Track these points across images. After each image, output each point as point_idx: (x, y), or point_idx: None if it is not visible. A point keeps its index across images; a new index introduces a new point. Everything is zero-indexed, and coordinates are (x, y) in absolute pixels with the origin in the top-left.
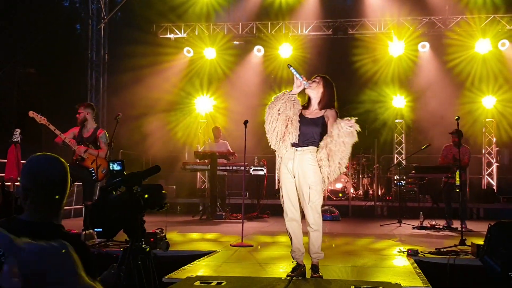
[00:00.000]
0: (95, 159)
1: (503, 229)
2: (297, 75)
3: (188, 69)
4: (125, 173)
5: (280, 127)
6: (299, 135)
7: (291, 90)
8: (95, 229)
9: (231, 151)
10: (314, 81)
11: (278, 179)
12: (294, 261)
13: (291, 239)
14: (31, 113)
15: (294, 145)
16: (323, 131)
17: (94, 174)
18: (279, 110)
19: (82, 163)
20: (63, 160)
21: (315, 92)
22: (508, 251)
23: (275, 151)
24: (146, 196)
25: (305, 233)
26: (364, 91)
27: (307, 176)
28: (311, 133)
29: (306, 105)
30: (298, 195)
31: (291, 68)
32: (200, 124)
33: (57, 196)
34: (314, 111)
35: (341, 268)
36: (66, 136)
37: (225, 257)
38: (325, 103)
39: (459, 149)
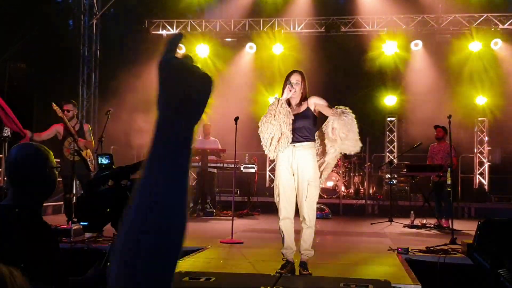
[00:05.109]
0: (86, 152)
1: (492, 226)
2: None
3: None
4: (113, 167)
5: (276, 133)
6: (294, 131)
7: (281, 98)
8: (81, 223)
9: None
10: (297, 84)
11: (272, 178)
12: (284, 258)
13: (283, 237)
14: (54, 106)
15: (292, 141)
16: (314, 122)
17: (89, 165)
18: (274, 117)
19: (80, 155)
20: (43, 149)
21: (298, 91)
22: (497, 248)
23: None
24: None
25: (296, 230)
26: (356, 89)
27: (306, 171)
28: (304, 127)
29: (288, 103)
30: (296, 192)
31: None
32: None
33: (33, 182)
34: (298, 107)
35: (331, 265)
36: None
37: (214, 253)
38: (304, 96)
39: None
